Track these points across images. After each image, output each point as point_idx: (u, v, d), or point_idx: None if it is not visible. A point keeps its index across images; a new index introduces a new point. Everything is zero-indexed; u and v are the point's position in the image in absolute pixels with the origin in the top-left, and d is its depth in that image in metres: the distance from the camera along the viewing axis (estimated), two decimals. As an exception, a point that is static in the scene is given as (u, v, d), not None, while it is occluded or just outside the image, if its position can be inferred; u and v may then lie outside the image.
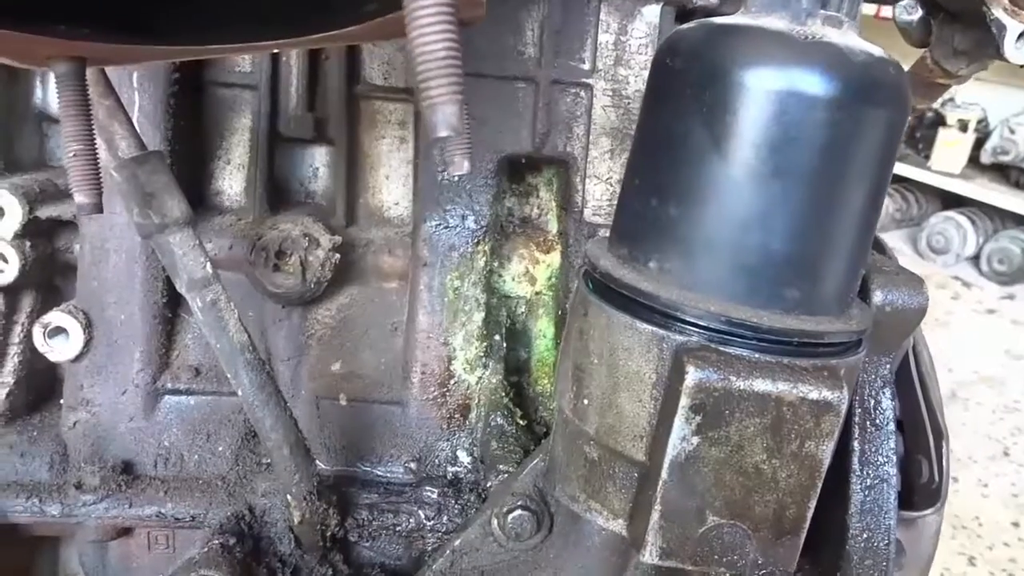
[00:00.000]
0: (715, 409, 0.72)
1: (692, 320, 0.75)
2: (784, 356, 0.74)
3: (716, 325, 0.74)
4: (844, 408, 0.73)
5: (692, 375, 0.71)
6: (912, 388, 1.13)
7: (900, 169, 6.74)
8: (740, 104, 0.71)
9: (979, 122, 6.53)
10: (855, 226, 0.76)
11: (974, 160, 6.57)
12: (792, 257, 0.75)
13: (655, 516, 0.76)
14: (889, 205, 6.81)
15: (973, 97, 6.65)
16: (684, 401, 0.72)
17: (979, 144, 6.55)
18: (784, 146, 0.71)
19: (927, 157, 6.63)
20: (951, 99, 6.80)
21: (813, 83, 0.70)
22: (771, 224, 0.73)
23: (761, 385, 0.72)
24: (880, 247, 1.23)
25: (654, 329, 0.76)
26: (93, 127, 0.77)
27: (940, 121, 6.56)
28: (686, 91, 0.75)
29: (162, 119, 1.03)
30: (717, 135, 0.73)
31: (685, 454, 0.73)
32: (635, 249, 0.80)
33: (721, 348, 0.74)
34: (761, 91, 0.71)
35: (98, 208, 0.79)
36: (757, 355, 0.74)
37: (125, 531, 1.08)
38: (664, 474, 0.74)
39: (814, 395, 0.72)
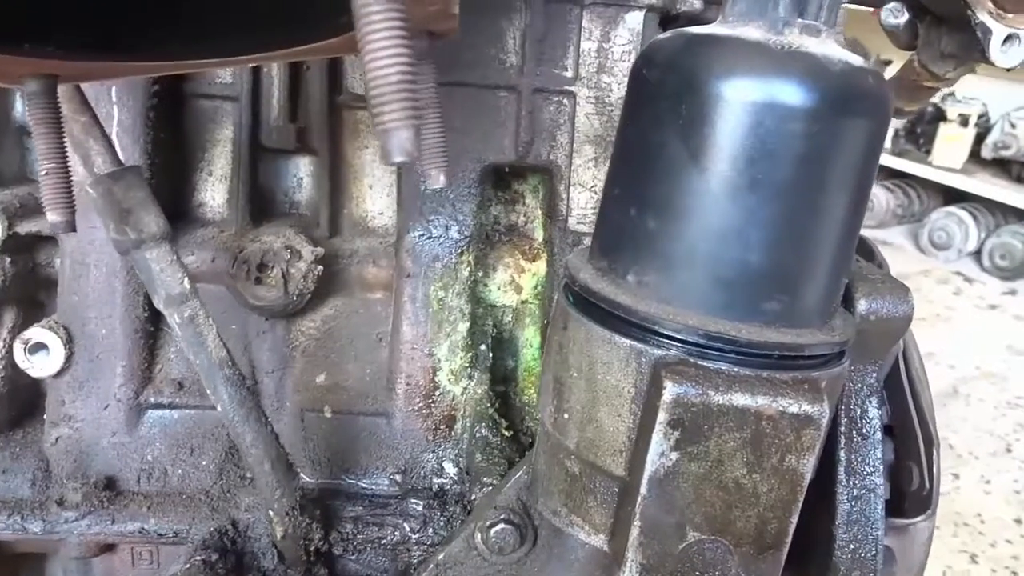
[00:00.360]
0: (694, 424, 0.71)
1: (670, 334, 0.74)
2: (764, 369, 0.73)
3: (694, 339, 0.73)
4: (825, 422, 0.72)
5: (670, 390, 0.71)
6: (903, 394, 1.12)
7: (901, 164, 6.73)
8: (716, 116, 0.71)
9: (980, 117, 6.51)
10: (835, 237, 0.75)
11: (975, 155, 6.55)
12: (771, 270, 0.74)
13: (635, 532, 0.75)
14: (890, 201, 6.80)
15: (974, 92, 6.62)
16: (662, 416, 0.71)
17: (980, 139, 6.54)
18: (761, 158, 0.70)
19: (928, 152, 6.61)
20: (951, 94, 6.77)
21: (790, 94, 0.69)
22: (749, 237, 0.72)
23: (740, 399, 0.71)
24: (870, 252, 1.22)
25: (632, 343, 0.75)
26: (65, 144, 0.76)
27: (941, 116, 6.54)
28: (662, 102, 0.74)
29: (142, 132, 1.03)
30: (694, 147, 0.72)
31: (664, 469, 0.73)
32: (614, 262, 0.79)
33: (700, 362, 0.73)
34: (737, 102, 0.70)
35: (71, 227, 0.78)
36: (736, 369, 0.73)
37: (108, 547, 1.07)
38: (643, 490, 0.73)
39: (794, 409, 0.71)
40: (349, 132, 1.15)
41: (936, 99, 6.72)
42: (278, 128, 1.10)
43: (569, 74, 1.06)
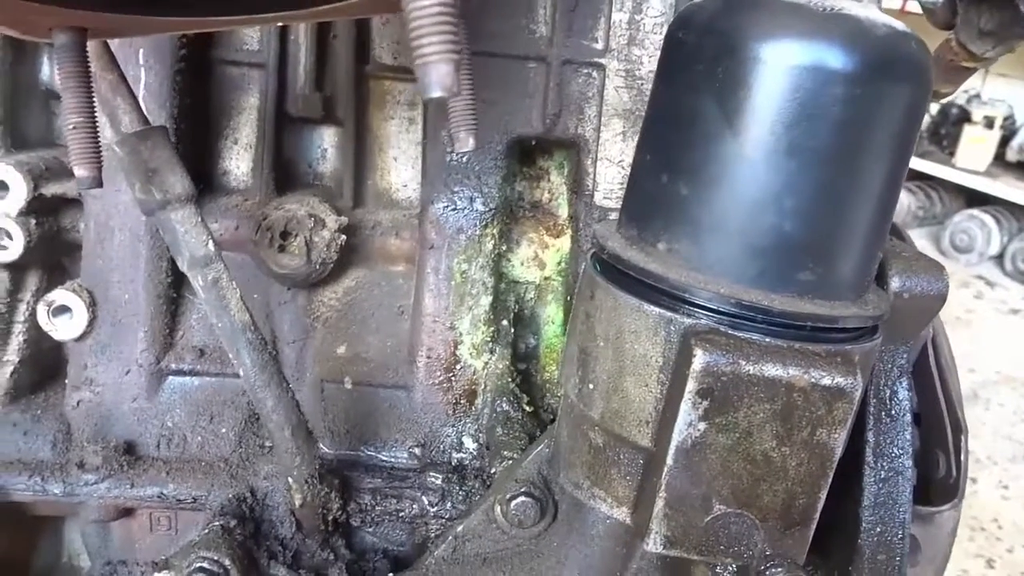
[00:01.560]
0: (723, 394, 0.70)
1: (701, 303, 0.73)
2: (796, 341, 0.72)
3: (726, 308, 0.72)
4: (858, 395, 0.71)
5: (700, 359, 0.69)
6: (931, 380, 1.10)
7: (924, 166, 6.65)
8: (754, 79, 0.69)
9: (1006, 119, 6.43)
10: (872, 208, 0.74)
11: (1000, 158, 6.46)
12: (806, 239, 0.72)
13: (660, 504, 0.74)
14: (912, 203, 6.73)
15: (1000, 94, 6.54)
16: (691, 385, 0.70)
17: (1005, 141, 6.45)
18: (800, 123, 0.69)
19: (951, 154, 6.53)
20: (977, 95, 6.69)
21: (832, 57, 0.68)
22: (784, 204, 0.71)
23: (771, 370, 0.70)
24: (899, 233, 1.20)
25: (661, 311, 0.74)
26: (94, 100, 0.76)
27: (965, 118, 6.47)
28: (698, 66, 0.72)
29: (168, 97, 1.02)
30: (730, 111, 0.70)
31: (691, 440, 0.71)
32: (644, 230, 0.78)
33: (731, 332, 0.72)
34: (777, 65, 0.68)
35: (98, 182, 0.78)
36: (768, 339, 0.71)
37: (127, 511, 1.07)
38: (669, 461, 0.72)
39: (827, 381, 0.70)
40: (375, 102, 1.14)
41: (961, 100, 6.64)
42: (304, 97, 1.10)
43: (599, 46, 1.04)
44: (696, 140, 0.73)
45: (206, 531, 0.96)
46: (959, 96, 6.72)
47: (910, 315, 0.86)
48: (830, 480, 0.74)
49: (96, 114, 0.77)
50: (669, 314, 0.73)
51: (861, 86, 0.68)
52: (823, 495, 0.74)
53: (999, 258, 6.40)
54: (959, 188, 6.65)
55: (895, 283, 0.84)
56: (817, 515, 0.75)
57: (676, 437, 0.71)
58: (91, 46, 0.85)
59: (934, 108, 6.77)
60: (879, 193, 0.73)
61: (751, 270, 0.73)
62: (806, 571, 0.77)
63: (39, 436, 1.06)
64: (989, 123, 6.39)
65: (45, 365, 1.12)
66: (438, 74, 0.43)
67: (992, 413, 4.48)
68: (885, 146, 0.72)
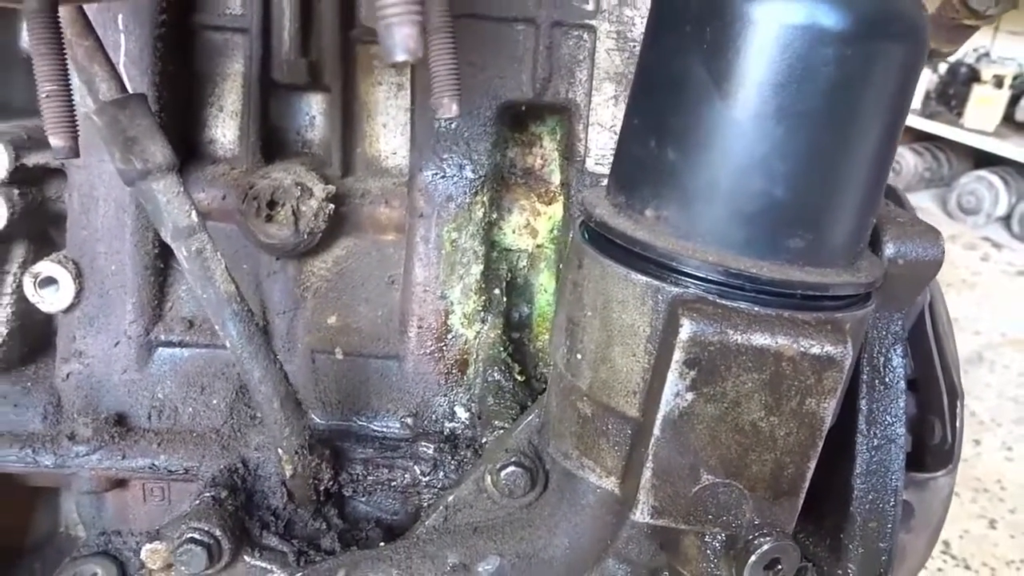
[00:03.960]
0: (711, 363, 0.69)
1: (688, 271, 0.71)
2: (785, 309, 0.70)
3: (714, 276, 0.71)
4: (848, 363, 0.69)
5: (687, 328, 0.68)
6: (927, 346, 1.09)
7: (931, 127, 6.56)
8: (743, 39, 0.67)
9: (1015, 78, 6.33)
10: (865, 172, 0.72)
11: (1009, 118, 6.38)
12: (796, 205, 0.70)
13: (647, 474, 0.73)
14: (919, 164, 6.66)
15: (1010, 52, 6.43)
16: (678, 355, 0.69)
17: (1014, 101, 6.36)
18: (790, 84, 0.67)
19: (959, 115, 6.45)
20: (986, 54, 6.58)
21: (822, 15, 0.66)
22: (774, 169, 0.69)
23: (760, 339, 0.69)
24: (898, 198, 1.18)
25: (649, 280, 0.72)
26: (67, 67, 0.74)
27: (974, 77, 6.37)
28: (686, 27, 0.70)
29: (149, 63, 1.00)
30: (718, 74, 0.68)
31: (679, 410, 0.71)
32: (632, 197, 0.77)
33: (719, 300, 0.70)
34: (765, 25, 0.66)
35: (74, 151, 0.76)
36: (757, 308, 0.70)
37: (120, 482, 1.08)
38: (657, 431, 0.71)
39: (816, 350, 0.69)
40: (363, 68, 1.11)
41: (971, 59, 6.54)
42: (289, 62, 1.07)
43: (590, 7, 1.01)
44: (684, 104, 0.71)
45: (197, 502, 0.96)
46: (968, 55, 6.61)
47: (905, 281, 0.85)
48: (819, 450, 0.73)
49: (70, 81, 0.75)
50: (656, 283, 0.72)
51: (852, 46, 0.66)
52: (812, 465, 0.74)
53: (1006, 220, 6.35)
54: (967, 149, 6.58)
55: (890, 249, 0.83)
56: (806, 485, 0.75)
57: (663, 407, 0.71)
58: (66, 12, 0.83)
59: (942, 67, 6.66)
60: (872, 157, 0.71)
61: (740, 237, 0.71)
62: (795, 540, 0.77)
63: (30, 408, 1.06)
64: (998, 82, 6.29)
65: (35, 337, 1.12)
66: (401, 36, 0.41)
67: (997, 375, 4.48)
68: (878, 108, 0.70)
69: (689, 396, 0.70)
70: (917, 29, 0.69)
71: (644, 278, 0.73)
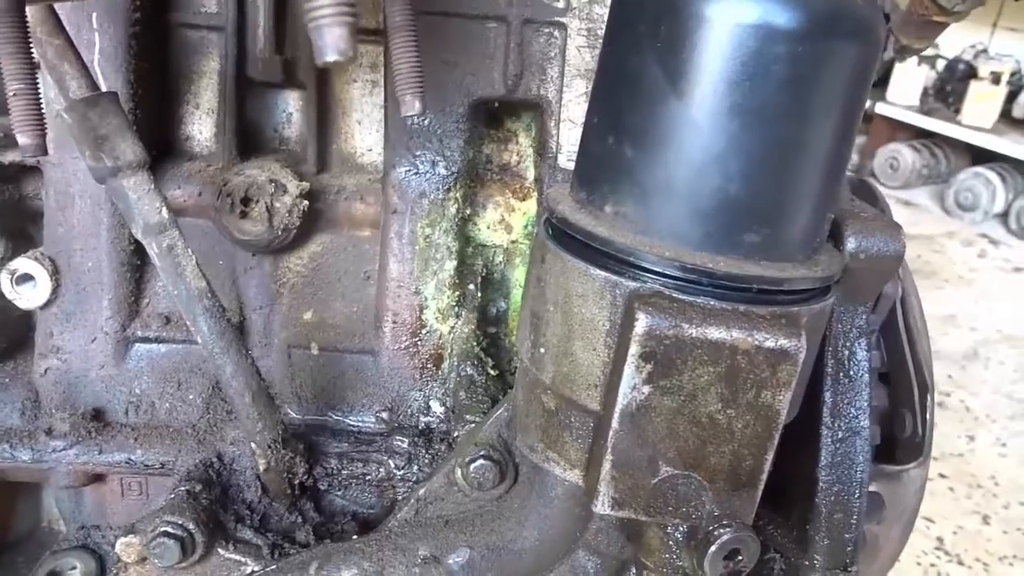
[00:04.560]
0: (667, 357, 0.70)
1: (647, 266, 0.72)
2: (742, 303, 0.71)
3: (671, 271, 0.72)
4: (802, 357, 0.70)
5: (642, 322, 0.69)
6: (899, 340, 1.10)
7: (929, 124, 6.56)
8: (696, 37, 0.68)
9: (1013, 75, 6.33)
10: (820, 168, 0.73)
11: (1006, 114, 6.38)
12: (751, 200, 0.71)
13: (607, 466, 0.74)
14: (916, 161, 6.66)
15: (1008, 48, 6.43)
16: (634, 348, 0.70)
17: (1012, 97, 6.35)
18: (743, 82, 0.68)
19: (957, 111, 6.45)
20: (984, 50, 6.58)
21: (775, 14, 0.66)
22: (729, 166, 0.70)
23: (715, 333, 0.69)
24: (872, 196, 1.19)
25: (607, 275, 0.73)
26: (35, 64, 0.75)
27: (972, 74, 6.36)
28: (640, 25, 0.71)
29: (124, 61, 1.01)
30: (672, 72, 0.69)
31: (636, 403, 0.71)
32: (592, 193, 0.78)
33: (676, 295, 0.71)
34: (719, 23, 0.67)
35: (42, 150, 0.77)
36: (713, 302, 0.71)
37: (98, 477, 1.09)
38: (615, 423, 0.72)
39: (770, 343, 0.70)
40: (337, 65, 1.12)
41: (968, 56, 6.53)
42: (264, 60, 1.08)
43: (560, 4, 1.02)
44: (640, 102, 0.72)
45: (172, 496, 0.97)
46: (966, 51, 6.61)
47: (867, 276, 0.86)
48: (776, 441, 0.74)
49: (38, 80, 0.76)
50: (615, 278, 0.73)
51: (804, 44, 0.67)
52: (769, 456, 0.74)
53: (1003, 216, 6.35)
54: (964, 145, 6.58)
55: (851, 244, 0.83)
56: (764, 476, 0.75)
57: (620, 400, 0.71)
58: (35, 11, 0.84)
59: (940, 64, 6.66)
60: (826, 153, 0.72)
61: (697, 233, 0.72)
62: (760, 531, 0.77)
63: (7, 403, 1.07)
64: (996, 79, 6.29)
65: (13, 333, 1.13)
66: (332, 37, 0.42)
67: (992, 371, 4.48)
68: (831, 105, 0.71)
69: (646, 389, 0.71)
70: (870, 28, 0.70)
71: (603, 273, 0.73)
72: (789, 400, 0.72)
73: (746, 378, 0.71)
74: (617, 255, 0.73)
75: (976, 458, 3.76)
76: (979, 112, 6.29)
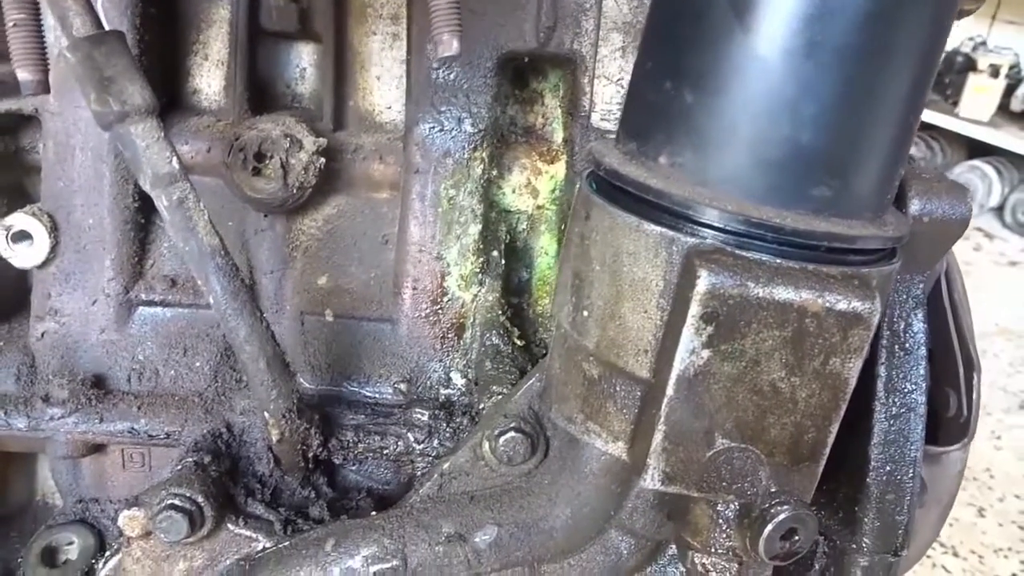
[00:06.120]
0: (729, 319, 0.64)
1: (706, 220, 0.67)
2: (809, 262, 0.66)
3: (733, 226, 0.66)
4: (876, 321, 0.65)
5: (704, 280, 0.63)
6: (943, 315, 1.04)
7: (926, 116, 6.51)
8: (771, -33, 0.62)
9: (1011, 68, 6.31)
10: (896, 117, 0.67)
11: (1004, 107, 6.35)
12: (823, 150, 0.66)
13: (658, 437, 0.69)
14: (913, 153, 6.63)
15: (1007, 41, 6.40)
16: (695, 309, 0.64)
17: (1010, 91, 6.34)
18: (820, 17, 0.62)
19: (955, 104, 6.42)
20: (983, 43, 6.55)
21: (858, -59, 0.61)
22: (801, 111, 0.64)
23: (782, 293, 0.64)
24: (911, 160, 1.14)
25: (663, 230, 0.68)
26: (36, -7, 0.69)
27: (970, 66, 6.34)
28: (707, -47, 0.65)
29: (129, 4, 0.94)
30: (740, 5, 0.63)
31: (694, 369, 0.66)
32: (645, 143, 0.72)
33: (738, 252, 0.66)
34: (796, -50, 0.61)
35: (44, 87, 0.71)
36: (779, 260, 0.66)
37: (98, 447, 1.03)
38: (670, 391, 0.67)
39: (842, 305, 0.64)
40: (355, 16, 1.05)
41: (967, 48, 6.50)
42: (279, 8, 1.01)
43: (598, -49, 0.96)
44: (703, 40, 0.66)
45: (179, 467, 0.91)
46: (964, 44, 6.58)
47: (930, 241, 0.81)
48: (842, 413, 0.69)
49: (40, 10, 0.69)
50: (671, 233, 0.67)
51: (890, -26, 0.61)
52: (834, 429, 0.69)
53: (999, 210, 6.34)
54: (962, 138, 6.55)
55: (915, 205, 0.78)
56: (827, 451, 0.70)
57: (677, 366, 0.66)
58: (37, -60, 0.77)
59: (939, 56, 6.62)
60: (904, 101, 0.67)
61: (761, 185, 0.66)
62: (813, 510, 0.72)
63: (1, 369, 1.00)
64: (994, 72, 6.27)
65: (8, 294, 1.06)
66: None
67: (987, 364, 4.47)
68: (912, 48, 0.65)
69: (705, 354, 0.65)
70: (957, -38, 0.64)
71: (658, 228, 0.68)
72: (859, 368, 0.67)
73: (814, 343, 0.65)
74: (673, 208, 0.68)
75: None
76: (977, 105, 6.27)
